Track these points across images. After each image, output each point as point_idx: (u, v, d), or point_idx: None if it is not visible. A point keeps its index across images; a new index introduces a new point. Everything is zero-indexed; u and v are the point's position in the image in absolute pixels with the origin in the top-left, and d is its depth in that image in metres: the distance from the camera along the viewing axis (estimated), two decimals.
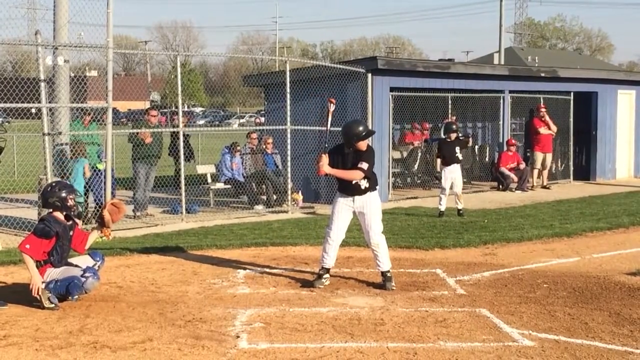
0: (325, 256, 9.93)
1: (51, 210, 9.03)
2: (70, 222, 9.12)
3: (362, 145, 9.79)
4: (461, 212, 16.13)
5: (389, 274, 9.85)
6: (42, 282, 8.66)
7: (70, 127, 14.49)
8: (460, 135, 17.04)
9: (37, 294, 8.58)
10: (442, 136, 17.03)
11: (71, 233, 9.07)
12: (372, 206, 9.82)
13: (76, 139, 14.86)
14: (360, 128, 9.87)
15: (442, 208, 16.07)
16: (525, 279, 10.36)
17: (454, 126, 16.66)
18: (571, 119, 23.56)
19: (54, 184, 9.31)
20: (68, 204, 8.99)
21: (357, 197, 9.82)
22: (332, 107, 10.19)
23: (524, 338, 7.58)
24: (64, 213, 9.03)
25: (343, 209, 9.91)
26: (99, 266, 9.18)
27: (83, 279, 8.70)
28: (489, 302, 9.04)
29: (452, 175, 16.16)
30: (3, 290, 9.48)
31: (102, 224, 9.41)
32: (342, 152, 9.91)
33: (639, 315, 8.48)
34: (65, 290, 8.67)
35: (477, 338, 7.60)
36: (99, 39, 14.06)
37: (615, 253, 12.35)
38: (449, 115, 21.02)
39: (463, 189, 16.95)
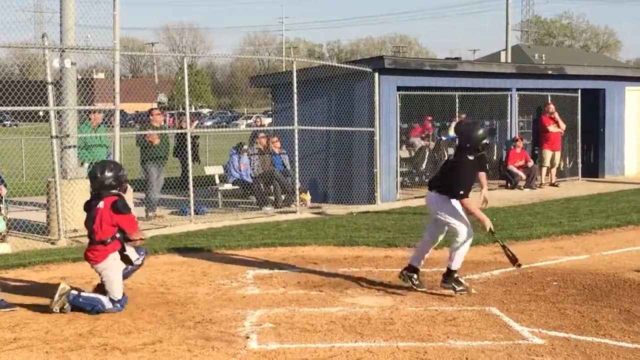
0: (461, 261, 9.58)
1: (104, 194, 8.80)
2: None
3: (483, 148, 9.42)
4: None
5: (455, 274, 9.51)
6: (73, 290, 8.55)
7: (78, 130, 14.51)
8: None
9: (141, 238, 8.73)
10: (450, 135, 16.92)
11: None
12: None
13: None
14: (481, 131, 9.40)
15: None
16: (534, 277, 10.35)
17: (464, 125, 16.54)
18: (579, 116, 23.47)
19: (101, 167, 8.98)
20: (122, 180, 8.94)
21: None
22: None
23: (534, 336, 7.57)
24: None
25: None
26: (142, 260, 9.08)
27: (109, 307, 8.57)
28: (499, 301, 9.03)
29: None
30: (13, 292, 9.49)
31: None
32: (473, 162, 9.38)
33: None
34: (86, 309, 8.56)
35: (487, 336, 7.59)
36: (105, 41, 14.12)
37: (624, 250, 12.32)
38: (456, 114, 20.96)
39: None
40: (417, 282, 9.62)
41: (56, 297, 8.48)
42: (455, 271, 9.45)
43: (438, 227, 9.58)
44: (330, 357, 6.97)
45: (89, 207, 8.93)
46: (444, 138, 21.70)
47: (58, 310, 8.49)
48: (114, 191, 8.81)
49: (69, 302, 8.50)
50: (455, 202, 9.38)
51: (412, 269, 9.69)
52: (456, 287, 9.41)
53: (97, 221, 8.65)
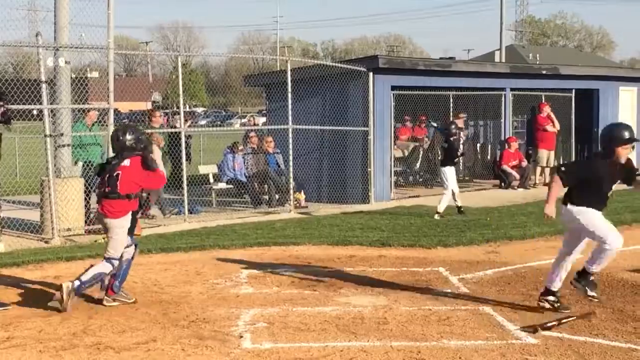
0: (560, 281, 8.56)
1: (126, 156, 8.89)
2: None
3: (622, 153, 8.11)
4: (462, 209, 16.07)
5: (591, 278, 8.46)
6: (76, 280, 8.58)
7: (73, 128, 14.49)
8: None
9: None
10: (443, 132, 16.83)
11: None
12: None
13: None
14: (625, 132, 8.15)
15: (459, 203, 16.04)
16: (528, 277, 10.36)
17: (453, 126, 16.46)
18: (573, 117, 23.52)
19: (122, 130, 9.04)
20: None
21: None
22: None
23: (528, 336, 7.58)
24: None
25: None
26: (134, 251, 9.13)
27: (109, 270, 8.76)
28: (492, 300, 9.03)
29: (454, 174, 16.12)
30: (6, 291, 9.48)
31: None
32: (606, 165, 8.18)
33: None
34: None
35: (481, 336, 7.60)
36: (99, 40, 14.10)
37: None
38: (450, 114, 20.93)
39: (466, 188, 16.94)
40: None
41: (65, 297, 8.42)
42: (591, 274, 8.42)
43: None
44: (323, 357, 6.97)
45: (107, 167, 8.95)
46: (433, 124, 21.70)
47: (68, 309, 8.49)
48: (136, 152, 8.89)
49: (76, 295, 8.54)
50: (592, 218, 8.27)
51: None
52: (588, 290, 8.45)
53: (123, 177, 8.73)
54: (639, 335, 7.61)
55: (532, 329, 7.69)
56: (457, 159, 16.36)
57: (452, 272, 10.66)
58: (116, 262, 8.80)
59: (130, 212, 8.82)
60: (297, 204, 17.49)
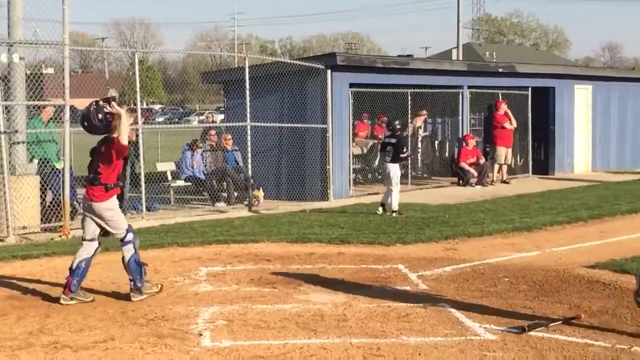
0: None
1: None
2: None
3: None
4: (386, 209, 15.87)
5: None
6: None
7: (29, 125, 14.30)
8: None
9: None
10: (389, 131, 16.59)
11: None
12: None
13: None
14: None
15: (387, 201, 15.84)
16: (486, 274, 10.43)
17: (397, 122, 16.20)
18: (529, 114, 23.77)
19: (81, 122, 8.93)
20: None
21: None
22: None
23: (486, 332, 7.62)
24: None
25: None
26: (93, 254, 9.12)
27: (133, 250, 8.97)
28: (451, 297, 9.08)
29: None
30: None
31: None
32: None
33: (598, 307, 8.57)
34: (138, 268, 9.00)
35: (440, 332, 7.63)
36: (54, 35, 13.90)
37: (574, 246, 12.47)
38: (408, 112, 20.96)
39: (425, 185, 16.95)
40: None
41: (144, 294, 8.95)
42: None
43: None
44: (283, 354, 6.95)
45: (94, 151, 9.00)
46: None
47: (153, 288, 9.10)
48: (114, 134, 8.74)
49: (143, 283, 8.93)
50: None
51: None
52: None
53: (101, 164, 8.79)
54: (595, 331, 7.68)
55: (520, 329, 7.64)
56: (404, 155, 16.25)
57: (411, 269, 10.70)
58: (130, 235, 8.96)
59: (115, 195, 8.91)
60: (256, 202, 17.45)
